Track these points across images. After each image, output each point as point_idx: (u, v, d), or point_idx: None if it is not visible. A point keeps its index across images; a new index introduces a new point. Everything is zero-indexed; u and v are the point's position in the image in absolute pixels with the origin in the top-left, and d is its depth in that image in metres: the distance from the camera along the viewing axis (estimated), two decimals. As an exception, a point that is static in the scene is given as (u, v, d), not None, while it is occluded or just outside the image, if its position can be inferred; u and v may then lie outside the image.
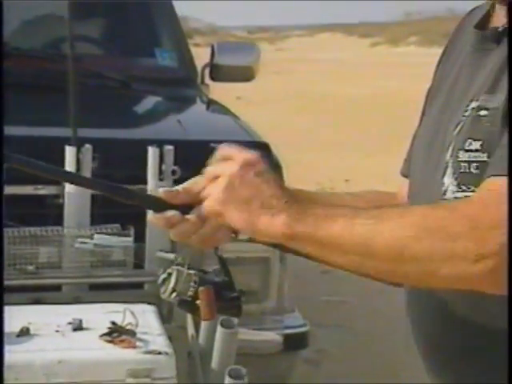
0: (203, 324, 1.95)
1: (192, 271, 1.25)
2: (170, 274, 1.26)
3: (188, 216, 1.25)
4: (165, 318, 1.99)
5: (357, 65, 23.64)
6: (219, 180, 1.17)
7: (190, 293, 1.24)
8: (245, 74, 3.81)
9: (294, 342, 2.60)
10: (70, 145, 2.35)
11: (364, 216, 1.11)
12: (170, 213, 1.25)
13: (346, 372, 3.88)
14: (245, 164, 1.18)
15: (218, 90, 3.76)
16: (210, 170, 1.20)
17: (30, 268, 2.38)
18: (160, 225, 1.27)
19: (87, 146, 2.38)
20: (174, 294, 1.25)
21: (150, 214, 1.28)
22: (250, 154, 1.20)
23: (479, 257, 1.02)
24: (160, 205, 1.27)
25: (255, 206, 1.14)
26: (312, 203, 1.18)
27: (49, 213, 2.43)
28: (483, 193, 1.08)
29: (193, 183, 1.27)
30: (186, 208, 1.26)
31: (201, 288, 1.24)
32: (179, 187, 1.28)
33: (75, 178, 1.94)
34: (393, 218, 1.10)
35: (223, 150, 1.22)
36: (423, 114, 1.36)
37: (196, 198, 1.26)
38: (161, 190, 1.31)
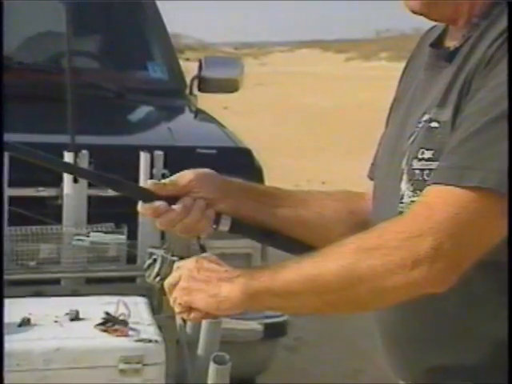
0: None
1: (175, 258, 1.26)
2: (155, 260, 1.27)
3: (174, 206, 1.27)
4: (155, 309, 1.99)
5: (333, 78, 23.73)
6: (180, 281, 1.18)
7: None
8: (230, 86, 3.81)
9: (274, 331, 2.60)
10: (68, 151, 2.34)
11: (309, 258, 1.12)
12: (158, 203, 1.27)
13: (322, 357, 3.89)
14: (195, 261, 1.19)
15: (207, 101, 3.76)
16: (168, 281, 1.21)
17: (32, 263, 2.37)
18: (148, 214, 1.29)
19: (84, 151, 2.37)
20: (158, 278, 1.26)
21: (140, 204, 1.29)
22: (193, 259, 1.21)
23: (415, 263, 1.02)
24: (148, 196, 1.29)
25: (215, 281, 1.15)
26: (260, 268, 1.20)
27: (49, 213, 2.42)
28: (416, 206, 1.10)
29: (179, 177, 1.31)
30: (172, 199, 1.28)
31: None
32: (166, 180, 1.32)
33: (73, 169, 1.97)
34: (334, 251, 1.10)
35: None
36: (387, 123, 1.36)
37: (181, 190, 1.29)
38: (149, 181, 1.33)
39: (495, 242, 1.05)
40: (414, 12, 1.19)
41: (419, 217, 1.06)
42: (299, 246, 1.30)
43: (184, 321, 1.97)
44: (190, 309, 1.18)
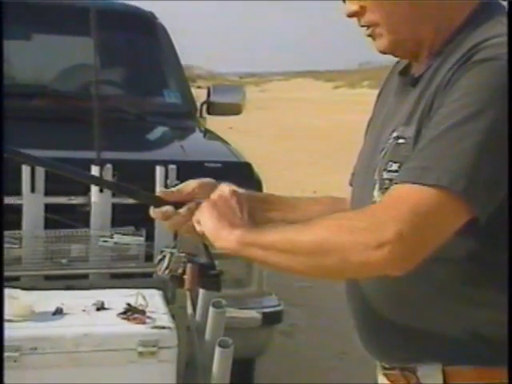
0: (199, 305, 1.94)
1: (182, 254, 1.26)
2: (164, 256, 1.27)
3: (180, 210, 1.28)
4: (169, 300, 1.98)
5: (323, 103, 23.76)
6: (212, 198, 1.22)
7: (179, 270, 1.25)
8: (234, 110, 3.82)
9: (271, 319, 2.60)
10: (95, 164, 2.34)
11: (296, 225, 1.13)
12: (166, 208, 1.28)
13: (312, 341, 3.89)
14: (229, 192, 1.23)
15: (215, 122, 3.76)
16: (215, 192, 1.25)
17: (64, 261, 2.37)
18: (158, 217, 1.30)
19: (108, 165, 2.37)
20: (167, 271, 1.26)
21: (151, 209, 1.30)
22: (237, 189, 1.25)
23: (378, 244, 1.02)
24: (158, 201, 1.30)
25: (223, 222, 1.16)
26: (262, 226, 1.20)
27: (78, 218, 2.42)
28: (385, 197, 1.10)
29: (184, 186, 1.32)
30: (178, 204, 1.28)
31: (188, 266, 1.25)
32: (174, 188, 1.33)
33: (96, 180, 1.97)
34: (316, 223, 1.11)
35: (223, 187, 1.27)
36: (365, 139, 1.36)
37: (186, 196, 1.30)
38: (159, 190, 1.33)
39: (449, 236, 1.05)
40: (382, 52, 1.20)
41: (386, 207, 1.06)
42: None
43: (194, 310, 1.98)
44: (198, 223, 1.20)
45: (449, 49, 1.14)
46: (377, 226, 1.03)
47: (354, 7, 1.18)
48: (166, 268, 1.26)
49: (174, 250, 1.27)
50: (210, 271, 1.25)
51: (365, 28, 1.20)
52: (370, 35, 1.20)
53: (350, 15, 1.19)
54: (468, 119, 1.03)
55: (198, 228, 1.21)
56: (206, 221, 1.18)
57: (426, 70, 1.17)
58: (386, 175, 1.14)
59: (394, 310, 1.17)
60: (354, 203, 1.29)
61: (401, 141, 1.14)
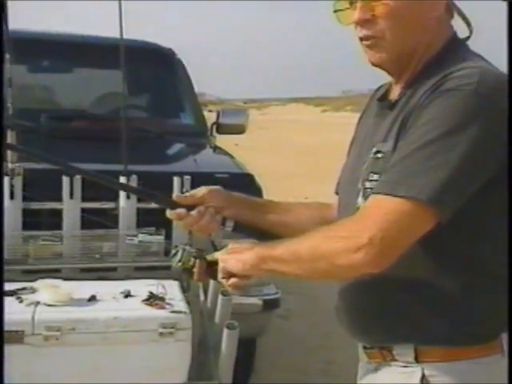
0: (210, 293, 1.94)
1: (193, 249, 1.25)
2: (177, 251, 1.26)
3: (191, 212, 1.27)
4: (184, 289, 1.96)
5: (313, 124, 23.79)
6: (222, 252, 1.22)
7: (190, 263, 1.24)
8: (239, 129, 3.80)
9: (270, 305, 2.58)
10: (122, 175, 2.33)
11: (297, 239, 1.13)
12: (180, 210, 1.27)
13: (304, 323, 3.88)
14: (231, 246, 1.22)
15: (223, 140, 3.76)
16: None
17: (97, 256, 2.36)
18: (173, 218, 1.30)
19: (134, 176, 2.36)
20: (180, 264, 1.26)
21: (167, 211, 1.29)
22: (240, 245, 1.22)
23: (357, 248, 1.02)
24: (174, 205, 1.29)
25: (242, 251, 1.18)
26: (269, 244, 1.19)
27: (109, 220, 2.41)
28: (362, 208, 1.10)
29: (196, 191, 1.31)
30: (190, 207, 1.28)
31: (197, 260, 1.24)
32: (187, 194, 1.32)
33: (118, 185, 1.97)
34: (309, 235, 1.11)
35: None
36: (348, 154, 1.34)
37: (197, 201, 1.29)
38: (174, 195, 1.33)
39: (417, 239, 1.04)
40: (375, 64, 1.17)
41: (362, 216, 1.06)
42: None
43: (205, 298, 1.97)
44: (229, 275, 1.19)
45: (420, 79, 1.13)
46: (355, 234, 1.03)
47: (367, 16, 1.11)
48: (179, 261, 1.26)
49: (186, 246, 1.26)
50: (216, 265, 1.23)
51: (366, 39, 1.14)
52: (368, 46, 1.14)
53: (360, 23, 1.13)
54: (432, 141, 1.02)
55: (231, 281, 1.20)
56: (230, 262, 1.19)
57: (401, 96, 1.16)
58: (368, 184, 1.14)
59: (373, 300, 1.16)
60: (340, 209, 1.28)
61: (379, 155, 1.13)
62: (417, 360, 1.12)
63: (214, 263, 1.23)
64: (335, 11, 1.18)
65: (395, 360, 1.15)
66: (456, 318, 1.10)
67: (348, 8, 1.15)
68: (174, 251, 1.28)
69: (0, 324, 1.33)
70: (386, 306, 1.15)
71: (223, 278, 1.20)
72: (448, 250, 1.09)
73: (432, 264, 1.09)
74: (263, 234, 1.34)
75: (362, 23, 1.13)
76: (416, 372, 1.11)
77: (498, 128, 1.03)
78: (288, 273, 1.14)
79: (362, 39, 1.15)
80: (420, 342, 1.12)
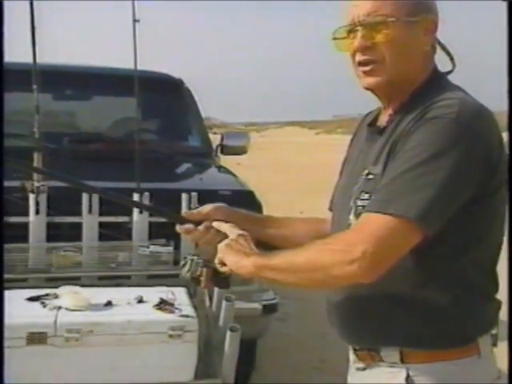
0: (214, 299, 1.93)
1: (200, 260, 1.24)
2: (186, 262, 1.26)
3: (198, 227, 1.27)
4: (191, 295, 1.96)
5: (308, 145, 23.83)
6: (226, 241, 1.19)
7: (197, 273, 1.24)
8: (241, 150, 3.79)
9: (269, 309, 2.57)
10: (135, 192, 2.33)
11: (293, 250, 1.12)
12: (188, 225, 1.27)
13: (300, 325, 3.86)
14: (237, 235, 1.19)
15: (226, 160, 3.76)
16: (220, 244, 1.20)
17: (113, 265, 2.36)
18: (181, 232, 1.29)
19: (146, 193, 2.36)
20: (189, 274, 1.25)
21: (177, 226, 1.29)
22: (239, 232, 1.21)
23: (350, 261, 1.01)
24: (182, 220, 1.29)
25: (241, 253, 1.16)
26: (269, 252, 1.17)
27: (123, 232, 2.40)
28: (356, 224, 1.10)
29: (202, 208, 1.30)
30: (197, 223, 1.27)
31: (204, 270, 1.24)
32: (194, 210, 1.32)
33: (132, 203, 1.96)
34: (306, 248, 1.10)
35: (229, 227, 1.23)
36: (340, 174, 1.35)
37: (204, 216, 1.29)
38: (183, 211, 1.32)
39: (405, 252, 1.04)
40: (369, 88, 1.16)
41: (355, 231, 1.06)
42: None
43: (210, 303, 1.96)
44: (222, 263, 1.18)
45: (407, 108, 1.13)
46: (349, 247, 1.03)
47: (367, 43, 1.12)
48: (188, 271, 1.25)
49: (194, 257, 1.26)
50: (221, 273, 1.23)
51: (363, 65, 1.14)
52: (367, 71, 1.14)
53: (360, 50, 1.13)
54: (418, 165, 1.03)
55: (222, 267, 1.19)
56: (227, 258, 1.17)
57: (389, 122, 1.16)
58: (359, 203, 1.14)
59: (363, 307, 1.16)
60: (333, 224, 1.27)
61: (370, 176, 1.13)
62: (402, 361, 1.11)
63: (219, 272, 1.23)
64: (334, 39, 1.18)
65: (382, 361, 1.14)
66: (438, 324, 1.10)
67: (346, 37, 1.15)
68: (183, 262, 1.27)
69: (0, 324, 1.27)
70: (374, 312, 1.14)
71: (218, 263, 1.19)
72: (431, 262, 1.09)
73: (417, 275, 1.09)
74: (264, 246, 1.31)
75: (362, 50, 1.12)
76: (401, 372, 1.11)
77: (476, 153, 1.04)
78: (284, 281, 1.13)
79: (360, 64, 1.14)
80: (405, 345, 1.12)
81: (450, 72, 1.19)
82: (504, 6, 1.16)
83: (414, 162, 1.03)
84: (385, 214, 1.02)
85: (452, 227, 1.05)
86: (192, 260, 1.25)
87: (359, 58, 1.14)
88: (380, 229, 1.02)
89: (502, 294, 1.18)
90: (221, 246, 1.19)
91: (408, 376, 1.10)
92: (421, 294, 1.10)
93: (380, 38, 1.10)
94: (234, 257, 1.16)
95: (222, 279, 1.25)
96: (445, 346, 1.09)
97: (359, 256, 1.01)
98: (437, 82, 1.15)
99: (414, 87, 1.15)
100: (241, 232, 1.21)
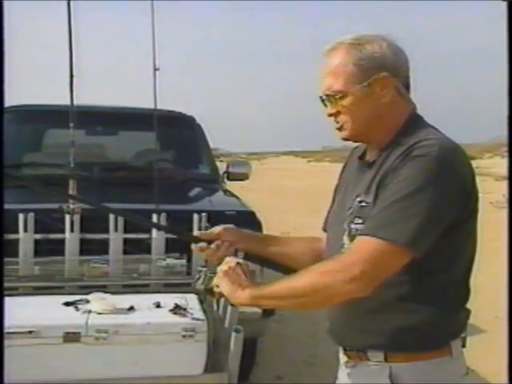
0: (221, 304, 1.92)
1: (213, 274, 1.23)
2: (200, 276, 1.25)
3: (211, 246, 1.27)
4: (202, 301, 1.95)
5: (301, 172, 23.72)
6: (224, 269, 1.15)
7: (210, 285, 1.22)
8: (244, 176, 3.79)
9: (268, 312, 2.51)
10: (154, 213, 2.33)
11: (289, 278, 1.10)
12: (202, 244, 1.27)
13: (295, 325, 3.82)
14: (235, 263, 1.16)
15: (231, 185, 3.75)
16: (224, 266, 1.17)
17: (135, 275, 2.36)
18: (196, 250, 1.28)
19: (163, 214, 2.36)
20: (203, 286, 1.24)
21: (192, 245, 1.29)
22: (238, 261, 1.17)
23: (350, 280, 1.02)
24: (196, 239, 1.29)
25: (236, 284, 1.12)
26: (262, 283, 1.13)
27: (143, 248, 2.39)
28: (351, 247, 1.09)
29: (214, 229, 1.30)
30: (210, 241, 1.27)
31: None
32: (207, 231, 1.31)
33: (156, 225, 1.94)
34: (304, 273, 1.08)
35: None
36: (333, 199, 1.33)
37: (215, 236, 1.28)
38: (196, 231, 1.32)
39: (396, 271, 1.05)
40: (345, 140, 1.19)
41: (353, 253, 1.05)
42: (283, 268, 1.29)
43: (218, 307, 1.95)
44: (217, 287, 1.16)
45: (392, 145, 1.13)
46: (347, 268, 1.02)
47: (333, 111, 1.15)
48: (202, 283, 1.24)
49: (207, 272, 1.24)
50: None
51: (336, 123, 1.17)
52: (338, 128, 1.17)
53: (330, 115, 1.16)
54: (405, 196, 1.03)
55: (217, 290, 1.16)
56: (223, 285, 1.14)
57: (377, 158, 1.16)
58: (353, 226, 1.13)
59: (352, 316, 1.16)
60: (329, 244, 1.25)
61: (363, 204, 1.12)
62: (386, 360, 1.12)
63: None
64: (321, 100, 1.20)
65: (369, 360, 1.14)
66: (418, 331, 1.10)
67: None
68: (197, 276, 1.25)
69: (0, 324, 1.17)
70: (362, 319, 1.14)
71: (215, 285, 1.16)
72: (415, 278, 1.09)
73: (402, 288, 1.09)
74: (267, 262, 1.33)
75: (332, 115, 1.17)
76: (385, 369, 1.11)
77: (454, 185, 1.05)
78: (282, 306, 1.10)
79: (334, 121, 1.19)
80: (389, 349, 1.12)
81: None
82: (504, 5, 1.08)
83: (402, 193, 1.04)
84: (378, 238, 1.02)
85: (433, 248, 1.06)
86: (206, 274, 1.24)
87: (331, 119, 1.18)
88: (375, 251, 1.02)
89: (501, 294, 1.19)
90: (219, 271, 1.16)
91: (391, 373, 1.11)
92: (404, 305, 1.10)
93: (339, 107, 1.14)
94: (230, 286, 1.12)
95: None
96: (423, 349, 1.10)
97: (358, 275, 1.00)
98: (415, 124, 1.14)
99: (397, 129, 1.14)
100: (239, 260, 1.18)
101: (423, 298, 1.09)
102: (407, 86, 1.16)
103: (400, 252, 1.02)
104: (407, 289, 1.09)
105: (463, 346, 1.15)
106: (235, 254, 1.27)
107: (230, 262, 1.17)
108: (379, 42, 1.12)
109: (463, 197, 1.07)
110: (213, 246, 1.27)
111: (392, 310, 1.11)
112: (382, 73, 1.11)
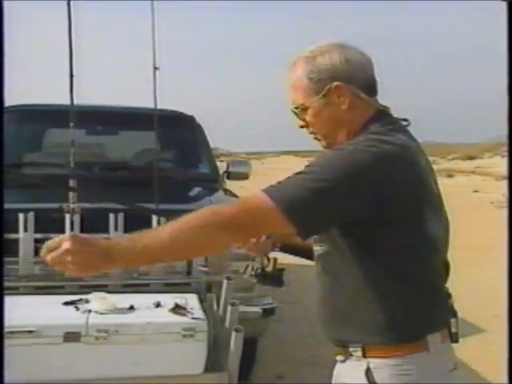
0: (221, 304, 1.92)
1: (257, 264, 1.36)
2: (247, 267, 1.38)
3: (251, 240, 1.36)
4: (202, 300, 1.96)
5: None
6: (63, 252, 1.03)
7: (258, 271, 1.37)
8: (244, 176, 3.78)
9: (268, 312, 2.56)
10: (154, 214, 2.33)
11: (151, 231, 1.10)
12: None
13: (293, 325, 3.83)
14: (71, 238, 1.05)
15: (231, 184, 3.76)
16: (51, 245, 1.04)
17: (135, 275, 2.36)
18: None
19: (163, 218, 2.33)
20: (253, 273, 1.38)
21: None
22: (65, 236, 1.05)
23: (220, 228, 1.03)
24: None
25: (95, 254, 1.05)
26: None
27: None
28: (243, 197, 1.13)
29: None
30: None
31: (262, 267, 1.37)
32: None
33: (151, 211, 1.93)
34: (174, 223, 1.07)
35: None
36: None
37: None
38: None
39: (265, 229, 1.11)
40: (325, 148, 1.23)
41: (238, 202, 1.09)
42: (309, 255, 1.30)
43: (218, 307, 1.95)
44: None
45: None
46: (218, 218, 1.04)
47: (301, 122, 1.22)
48: (251, 271, 1.37)
49: (251, 263, 1.36)
50: (274, 273, 1.34)
51: (310, 134, 1.23)
52: (315, 138, 1.23)
53: (300, 127, 1.22)
54: (305, 172, 1.07)
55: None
56: (79, 264, 1.04)
57: None
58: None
59: (334, 311, 1.18)
60: None
61: None
62: (364, 356, 1.13)
63: (269, 273, 1.37)
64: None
65: (351, 355, 1.16)
66: (392, 325, 1.11)
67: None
68: (244, 268, 1.38)
69: (0, 324, 1.13)
70: (342, 314, 1.16)
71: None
72: (382, 276, 1.10)
73: (373, 286, 1.10)
74: (301, 252, 1.37)
75: (302, 126, 1.22)
76: (363, 365, 1.13)
77: (362, 183, 1.04)
78: (150, 258, 1.06)
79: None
80: (366, 342, 1.13)
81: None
82: (504, 6, 1.06)
83: (304, 169, 1.08)
84: (265, 194, 1.05)
85: (381, 245, 1.07)
86: (252, 265, 1.36)
87: (306, 130, 1.22)
88: (256, 206, 1.05)
89: (502, 294, 1.18)
90: (67, 245, 1.01)
91: (368, 369, 1.12)
92: (378, 299, 1.11)
93: (306, 119, 1.19)
94: (90, 259, 1.02)
95: (276, 278, 1.35)
96: (397, 343, 1.10)
97: (228, 219, 1.03)
98: (370, 126, 1.14)
99: (356, 130, 1.16)
100: (66, 236, 1.04)
101: (395, 295, 1.10)
102: (370, 88, 1.17)
103: (275, 213, 1.03)
104: (379, 286, 1.10)
105: (455, 341, 1.16)
106: (273, 246, 1.35)
107: (62, 242, 1.03)
108: (330, 53, 1.15)
109: (375, 197, 1.04)
110: (253, 240, 1.33)
111: (367, 304, 1.11)
112: (334, 82, 1.14)
